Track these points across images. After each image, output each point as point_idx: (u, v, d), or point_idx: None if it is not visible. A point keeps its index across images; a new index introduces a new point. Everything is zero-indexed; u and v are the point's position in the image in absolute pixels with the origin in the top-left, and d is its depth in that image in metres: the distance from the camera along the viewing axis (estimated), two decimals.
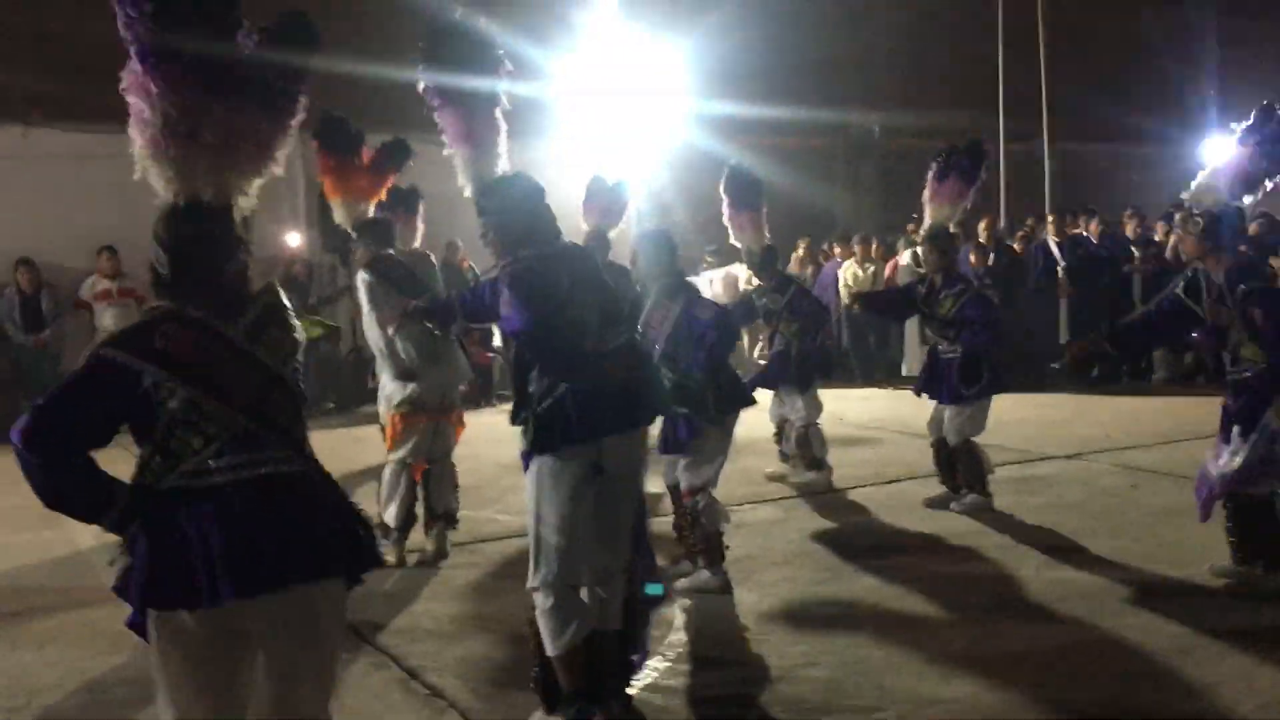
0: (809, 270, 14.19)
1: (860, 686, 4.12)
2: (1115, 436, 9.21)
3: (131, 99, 2.74)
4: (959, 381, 6.76)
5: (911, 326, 13.46)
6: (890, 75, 16.51)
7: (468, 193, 4.32)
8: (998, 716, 3.86)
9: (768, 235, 7.77)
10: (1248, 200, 5.23)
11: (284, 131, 2.94)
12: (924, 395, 7.12)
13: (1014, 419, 9.21)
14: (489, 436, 8.19)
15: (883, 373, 13.68)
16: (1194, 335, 10.70)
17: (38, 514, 7.50)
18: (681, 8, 14.08)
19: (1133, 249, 13.34)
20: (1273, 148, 5.12)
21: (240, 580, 2.60)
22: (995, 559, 5.84)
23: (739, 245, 7.84)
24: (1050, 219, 13.78)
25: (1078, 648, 4.51)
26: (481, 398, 13.02)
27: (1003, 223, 14.30)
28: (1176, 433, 9.04)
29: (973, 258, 13.36)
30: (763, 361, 14.18)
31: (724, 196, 7.63)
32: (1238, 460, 4.97)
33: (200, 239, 2.77)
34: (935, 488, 7.11)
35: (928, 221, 7.02)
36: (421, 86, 4.50)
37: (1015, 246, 13.56)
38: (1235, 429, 5.02)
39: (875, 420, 10.22)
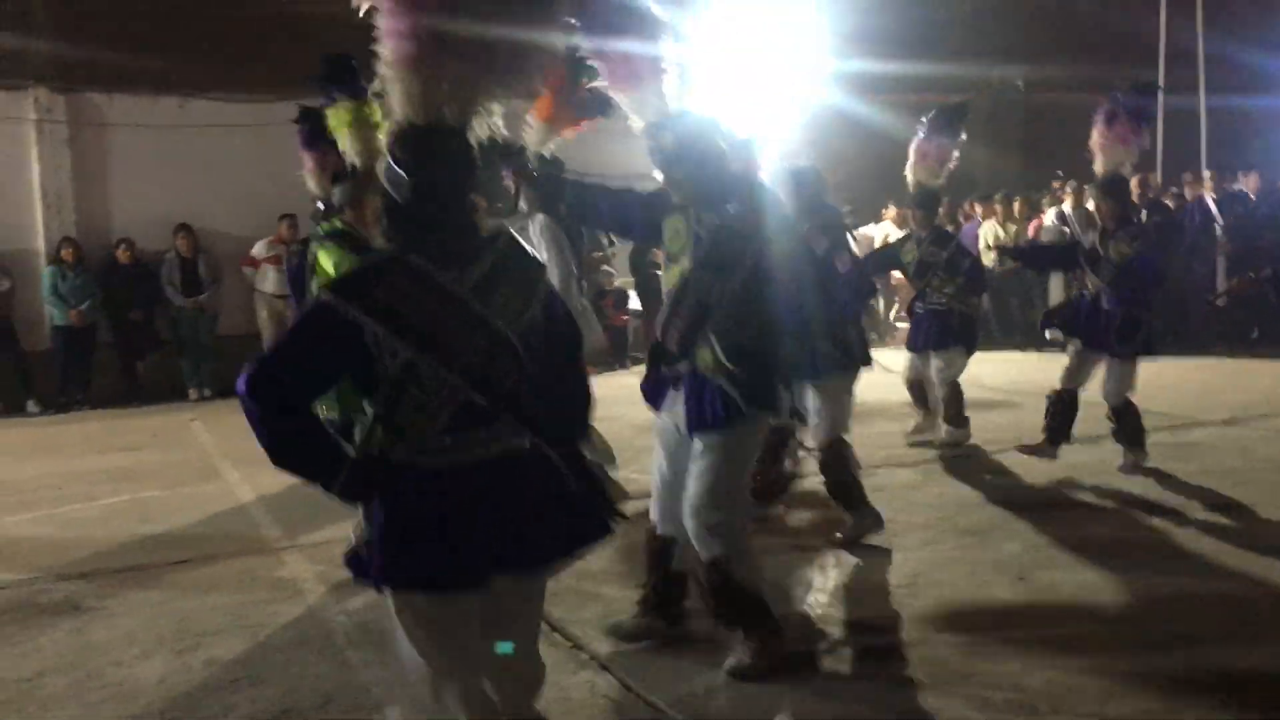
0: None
1: (1002, 655, 4.05)
2: (1275, 402, 8.77)
3: (380, 5, 2.53)
4: (1117, 335, 6.52)
5: (1056, 288, 13.06)
6: (1035, 26, 15.88)
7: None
8: (1139, 690, 3.75)
9: (943, 178, 7.54)
10: None
11: (541, 48, 2.66)
12: (1075, 340, 6.85)
13: (1167, 383, 8.87)
14: (625, 398, 8.24)
15: (1023, 335, 13.30)
16: None
17: (197, 468, 7.95)
18: None
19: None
20: None
21: (468, 570, 2.58)
22: (1145, 524, 5.65)
23: (910, 176, 7.54)
24: (1208, 175, 13.15)
25: (1245, 614, 4.34)
26: (616, 359, 13.16)
27: (1159, 179, 13.69)
28: None
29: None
30: (901, 324, 14.07)
31: (924, 124, 7.44)
32: None
33: (444, 162, 2.57)
34: (1077, 452, 6.92)
35: (1099, 169, 6.68)
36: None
37: (1169, 204, 13.00)
38: None
39: (1014, 384, 9.95)
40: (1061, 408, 6.83)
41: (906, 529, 5.73)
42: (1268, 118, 15.44)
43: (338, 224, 5.36)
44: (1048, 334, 6.85)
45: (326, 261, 5.19)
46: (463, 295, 2.56)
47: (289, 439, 2.57)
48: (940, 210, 7.88)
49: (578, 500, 2.71)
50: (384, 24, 2.51)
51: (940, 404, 7.71)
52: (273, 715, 3.81)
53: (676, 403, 3.96)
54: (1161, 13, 14.68)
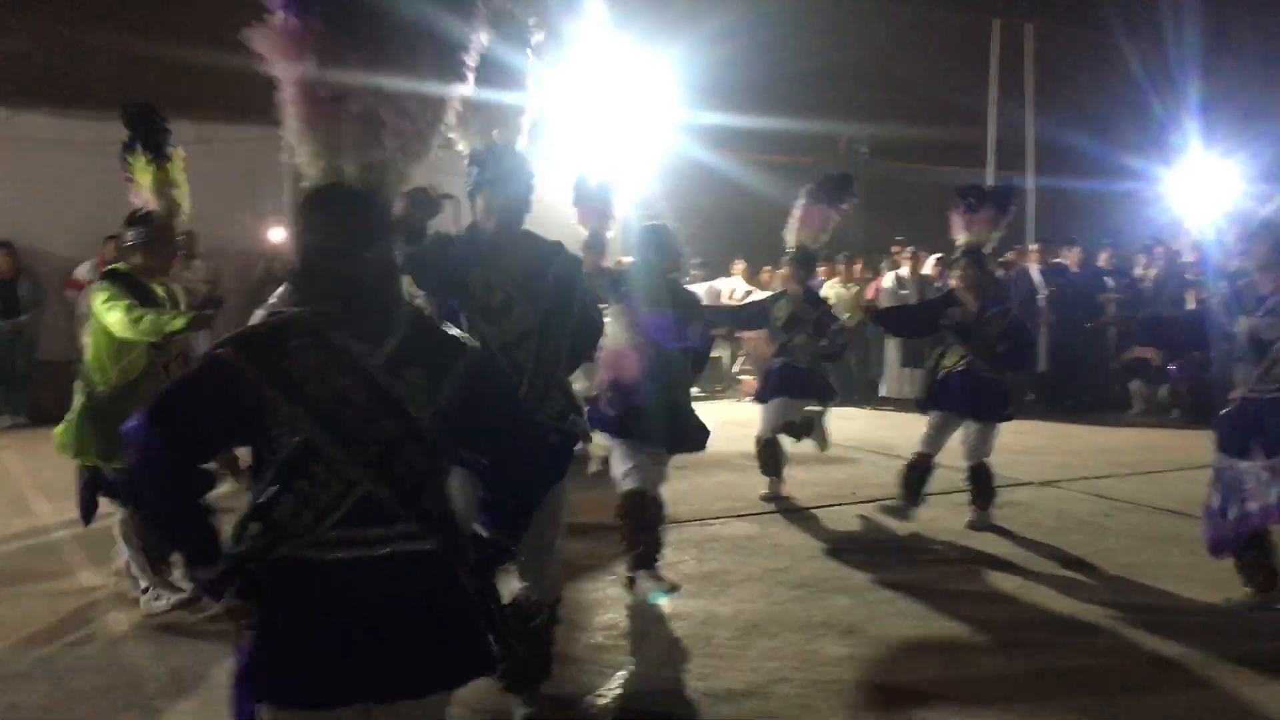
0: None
1: (830, 705, 4.12)
2: (1090, 466, 9.26)
3: (270, 56, 2.34)
4: (995, 402, 6.85)
5: (892, 348, 13.55)
6: (879, 91, 16.57)
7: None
8: None
9: (825, 238, 7.90)
10: None
11: (450, 101, 2.47)
12: (947, 414, 7.02)
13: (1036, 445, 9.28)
14: None
15: (861, 393, 13.72)
16: (1171, 368, 10.80)
17: (7, 500, 7.44)
18: (670, 18, 14.08)
19: (1106, 279, 13.51)
20: None
21: (343, 690, 2.27)
22: (970, 582, 5.86)
23: (789, 238, 7.82)
24: (1035, 247, 13.93)
25: (1052, 673, 4.52)
26: None
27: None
28: (1151, 464, 9.11)
29: (954, 281, 13.47)
30: (744, 376, 14.34)
31: (808, 190, 7.73)
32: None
33: (340, 228, 2.33)
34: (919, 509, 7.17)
35: (963, 240, 7.03)
36: None
37: (999, 273, 13.67)
38: (1264, 452, 5.03)
39: (852, 439, 10.23)
40: (920, 472, 7.10)
41: (742, 580, 5.80)
42: (1090, 198, 16.49)
43: (121, 267, 5.17)
44: (929, 415, 7.07)
45: (98, 303, 5.01)
46: (373, 370, 2.32)
47: (167, 511, 2.34)
48: (814, 273, 8.16)
49: (476, 619, 2.42)
50: (278, 78, 2.36)
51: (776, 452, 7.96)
52: None
53: None
54: (991, 103, 15.60)
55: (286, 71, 2.33)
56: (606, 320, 4.65)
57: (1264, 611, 5.22)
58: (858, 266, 14.15)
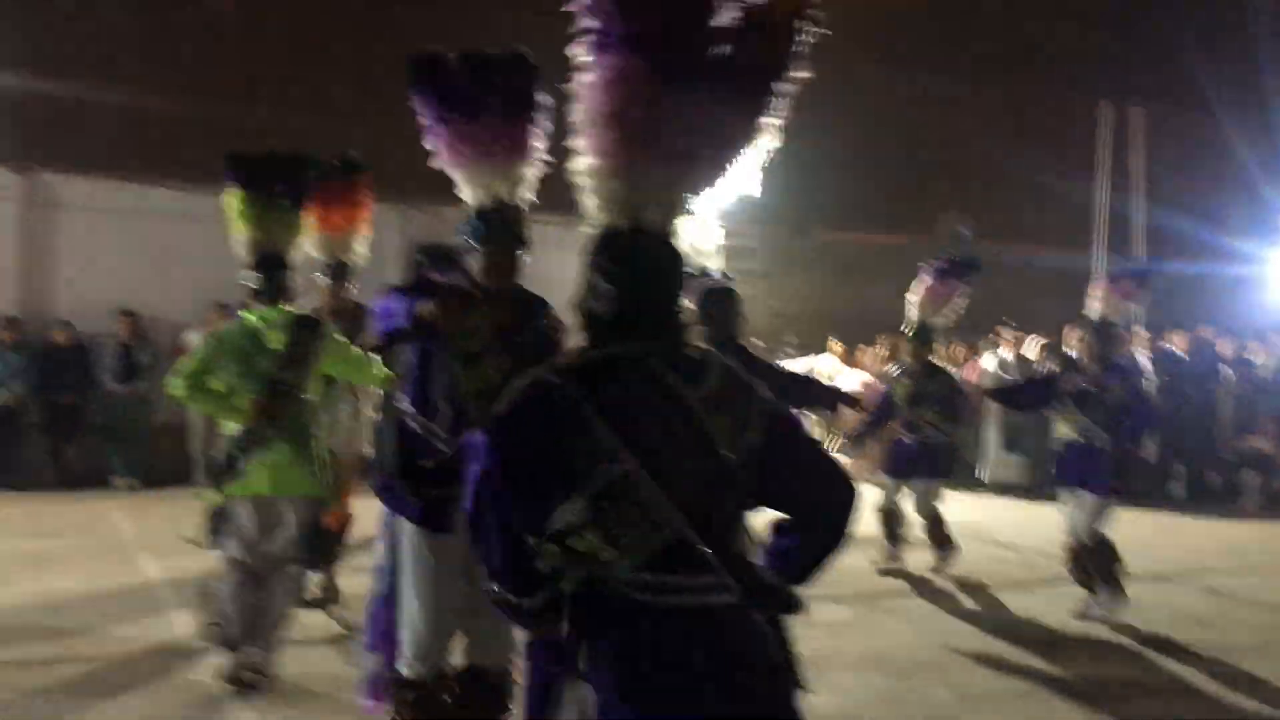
0: (888, 368, 14.09)
1: None
2: (1205, 561, 8.91)
3: (586, 96, 2.30)
4: (1111, 476, 6.65)
5: (992, 430, 13.28)
6: (977, 182, 16.51)
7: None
8: None
9: (943, 318, 8.00)
10: None
11: (755, 133, 2.37)
12: (1072, 486, 6.84)
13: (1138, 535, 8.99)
14: None
15: (958, 476, 13.43)
16: None
17: (116, 560, 7.66)
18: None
19: (1220, 366, 13.10)
20: None
21: None
22: (1076, 677, 5.65)
23: (913, 315, 7.96)
24: (1144, 333, 13.61)
25: None
26: None
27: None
28: (1272, 560, 8.74)
29: (1053, 365, 13.24)
30: (839, 456, 14.17)
31: (937, 267, 7.84)
32: None
33: (661, 272, 2.31)
34: (1014, 597, 6.97)
35: (1094, 316, 7.03)
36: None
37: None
38: None
39: (950, 525, 10.01)
40: (1097, 555, 6.77)
41: (840, 667, 5.69)
42: (1198, 282, 16.13)
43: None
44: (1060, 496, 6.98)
45: (348, 348, 5.20)
46: (696, 407, 2.22)
47: (493, 542, 2.24)
48: (933, 348, 8.26)
49: (782, 675, 2.34)
50: (583, 120, 2.32)
51: (921, 531, 8.09)
52: None
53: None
54: (1099, 186, 15.47)
55: (597, 111, 2.28)
56: None
57: None
58: (962, 350, 13.96)
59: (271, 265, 5.04)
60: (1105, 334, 6.94)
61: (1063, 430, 6.99)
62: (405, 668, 3.68)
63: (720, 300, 5.50)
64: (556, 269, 14.21)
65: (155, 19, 12.77)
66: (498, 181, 3.67)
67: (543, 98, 3.65)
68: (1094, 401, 6.77)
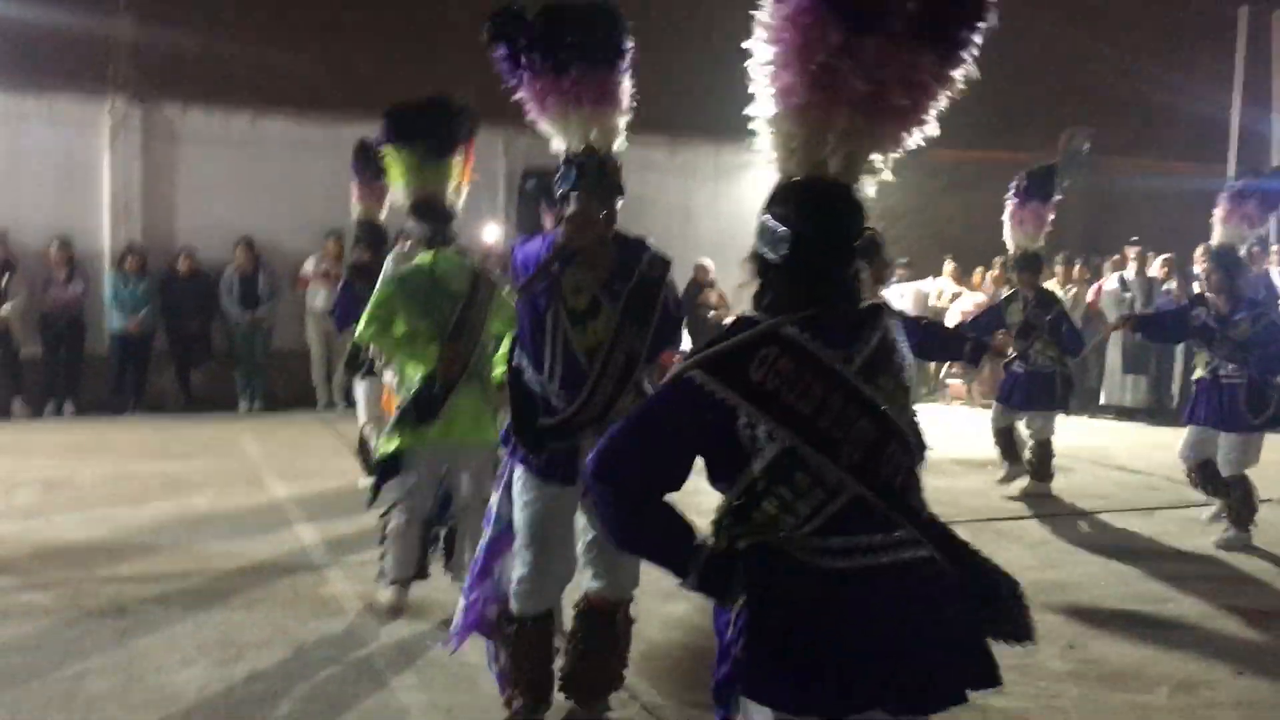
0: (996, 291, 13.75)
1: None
2: None
3: (768, 36, 2.24)
4: (1246, 409, 6.44)
5: (1114, 353, 12.90)
6: (1105, 84, 15.81)
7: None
8: None
9: (1042, 240, 7.80)
10: None
11: (947, 84, 2.31)
12: (1200, 425, 6.67)
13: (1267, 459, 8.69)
14: None
15: (1079, 401, 13.11)
16: None
17: (246, 480, 7.99)
18: None
19: None
20: None
21: (853, 699, 2.18)
22: (1202, 604, 5.50)
23: (1009, 241, 7.81)
24: (1276, 249, 12.97)
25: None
26: None
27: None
28: None
29: (1174, 285, 12.75)
30: (953, 380, 13.95)
31: (1016, 189, 7.64)
32: None
33: (836, 226, 2.27)
34: (1130, 519, 6.81)
35: (1215, 241, 6.76)
36: None
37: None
38: None
39: (1070, 449, 9.77)
40: (1209, 475, 6.70)
41: None
42: None
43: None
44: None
45: None
46: (849, 376, 2.23)
47: (633, 525, 2.32)
48: (1040, 274, 8.10)
49: (963, 630, 2.29)
50: (767, 67, 2.26)
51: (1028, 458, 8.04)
52: None
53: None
54: (1235, 94, 14.66)
55: (784, 62, 2.22)
56: None
57: None
58: (1077, 268, 13.53)
59: (435, 212, 5.07)
60: (1228, 263, 6.60)
61: (1198, 368, 6.78)
62: (516, 606, 3.74)
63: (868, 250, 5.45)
64: (659, 191, 14.18)
65: None
66: (589, 130, 3.56)
67: (629, 43, 3.55)
68: (1220, 339, 6.53)
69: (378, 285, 5.12)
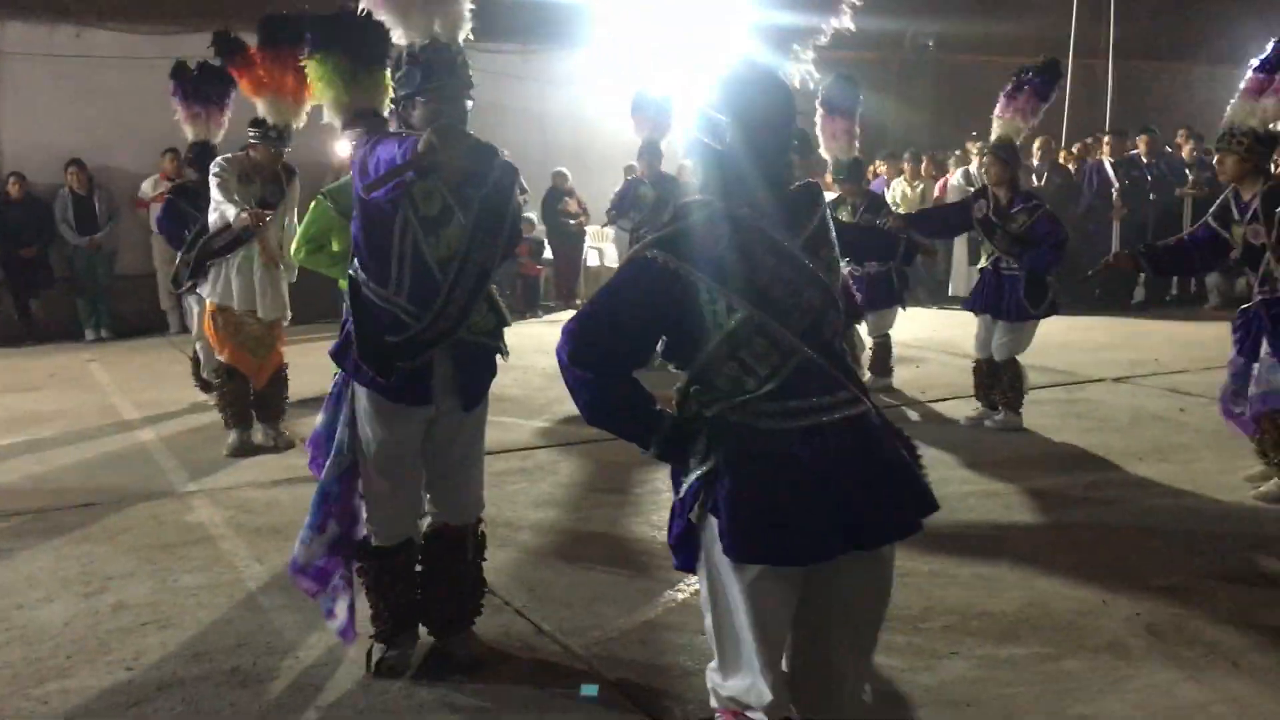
0: None
1: (909, 598, 4.20)
2: (1164, 361, 9.15)
3: None
4: (1025, 299, 6.73)
5: (960, 246, 13.35)
6: None
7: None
8: (1043, 624, 3.95)
9: (858, 148, 7.82)
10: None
11: None
12: (980, 313, 7.02)
13: (1061, 342, 9.19)
14: (534, 346, 8.24)
15: (927, 292, 13.59)
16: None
17: (97, 410, 7.76)
18: None
19: (1186, 171, 13.14)
20: None
21: (826, 543, 2.40)
22: (1042, 478, 5.87)
23: (826, 155, 7.80)
24: (1106, 140, 13.53)
25: (1122, 563, 4.57)
26: (527, 308, 13.15)
27: (1063, 141, 14.04)
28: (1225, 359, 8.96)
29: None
30: None
31: (820, 104, 7.59)
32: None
33: (776, 114, 2.47)
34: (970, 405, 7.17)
35: (995, 135, 6.94)
36: None
37: (1070, 168, 13.36)
38: (1267, 349, 5.27)
39: (918, 340, 10.20)
40: (981, 377, 7.08)
41: None
42: (1172, 82, 15.94)
43: None
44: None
45: None
46: (797, 252, 2.45)
47: (608, 403, 2.49)
48: (865, 179, 8.15)
49: (906, 470, 2.55)
50: None
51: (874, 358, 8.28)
52: (185, 659, 3.80)
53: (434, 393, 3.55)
54: None
55: None
56: None
57: None
58: (924, 163, 13.90)
59: (379, 123, 4.91)
60: (1005, 155, 6.80)
61: (982, 259, 7.06)
62: (374, 538, 3.61)
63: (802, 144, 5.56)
64: (515, 99, 13.90)
65: None
66: (433, 19, 3.35)
67: None
68: (1000, 231, 6.78)
69: (311, 206, 4.96)
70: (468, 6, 3.42)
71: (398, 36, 3.42)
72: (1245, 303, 5.61)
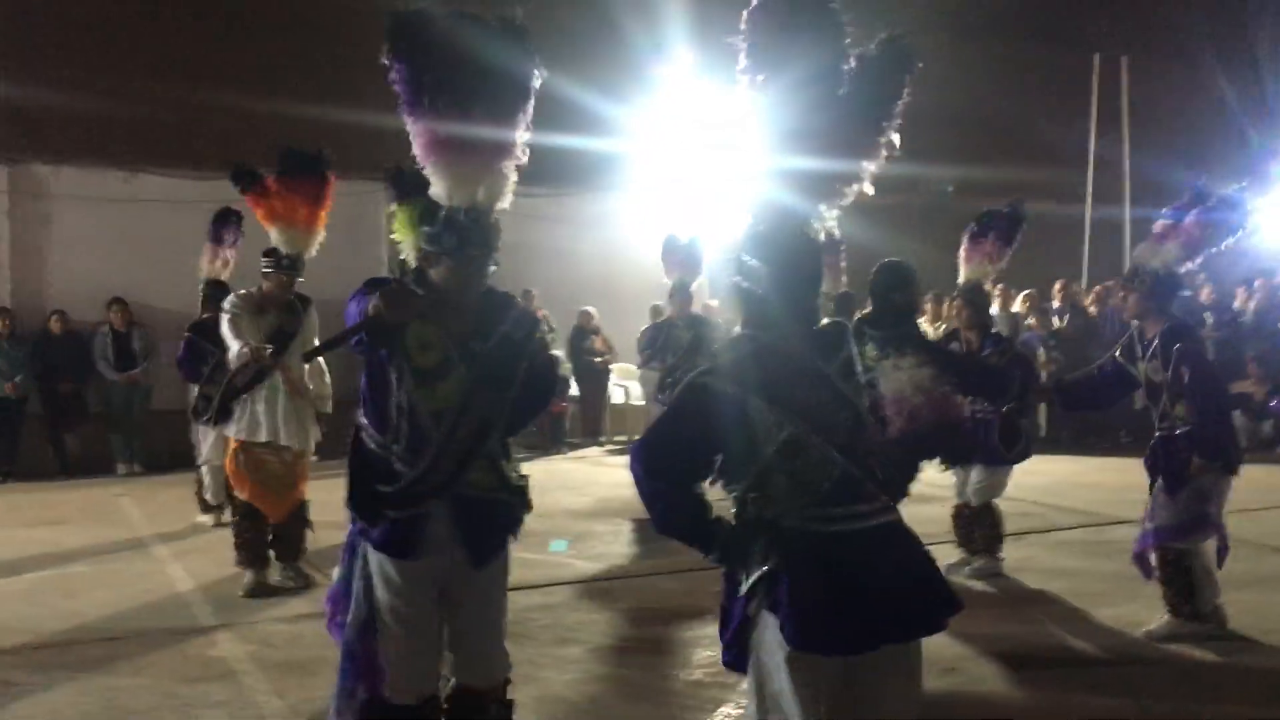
0: None
1: None
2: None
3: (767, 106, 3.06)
4: (1000, 443, 6.66)
5: None
6: (966, 131, 16.55)
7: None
8: None
9: (844, 282, 7.82)
10: (1187, 267, 5.56)
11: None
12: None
13: (1086, 482, 9.14)
14: (559, 483, 8.33)
15: None
16: (1273, 404, 10.45)
17: (125, 545, 7.80)
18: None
19: (1205, 315, 13.25)
20: (1212, 221, 5.48)
21: (874, 634, 2.71)
22: (1067, 624, 5.79)
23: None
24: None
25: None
26: (552, 444, 13.24)
27: (1084, 284, 14.24)
28: (1255, 502, 8.88)
29: (1032, 320, 13.31)
30: None
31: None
32: (1166, 515, 5.35)
33: (810, 268, 2.89)
34: (948, 552, 7.00)
35: (963, 277, 6.86)
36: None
37: (1090, 309, 13.52)
38: (1159, 485, 5.40)
39: (932, 480, 10.12)
40: (967, 518, 6.92)
41: None
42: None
43: None
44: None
45: None
46: (833, 378, 2.81)
47: (678, 512, 2.81)
48: (854, 313, 7.99)
49: (932, 573, 2.88)
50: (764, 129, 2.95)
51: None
52: None
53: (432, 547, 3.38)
54: (1091, 131, 15.47)
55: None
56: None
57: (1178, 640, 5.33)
58: (946, 305, 14.05)
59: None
60: (974, 299, 6.80)
61: None
62: (395, 696, 3.37)
63: (895, 275, 5.95)
64: (546, 239, 14.27)
65: (140, 5, 12.76)
66: (479, 186, 3.32)
67: (535, 79, 3.29)
68: None
69: None
70: (514, 178, 3.38)
71: (440, 195, 3.37)
72: (1271, 446, 5.63)
